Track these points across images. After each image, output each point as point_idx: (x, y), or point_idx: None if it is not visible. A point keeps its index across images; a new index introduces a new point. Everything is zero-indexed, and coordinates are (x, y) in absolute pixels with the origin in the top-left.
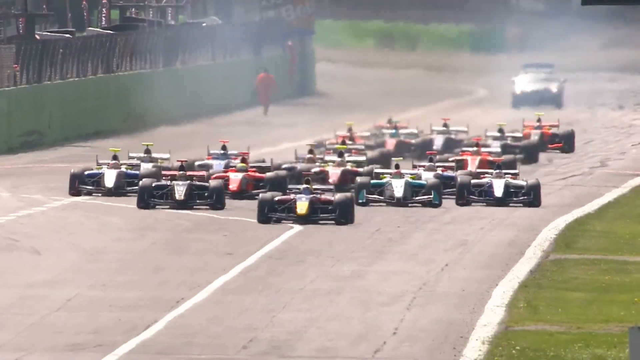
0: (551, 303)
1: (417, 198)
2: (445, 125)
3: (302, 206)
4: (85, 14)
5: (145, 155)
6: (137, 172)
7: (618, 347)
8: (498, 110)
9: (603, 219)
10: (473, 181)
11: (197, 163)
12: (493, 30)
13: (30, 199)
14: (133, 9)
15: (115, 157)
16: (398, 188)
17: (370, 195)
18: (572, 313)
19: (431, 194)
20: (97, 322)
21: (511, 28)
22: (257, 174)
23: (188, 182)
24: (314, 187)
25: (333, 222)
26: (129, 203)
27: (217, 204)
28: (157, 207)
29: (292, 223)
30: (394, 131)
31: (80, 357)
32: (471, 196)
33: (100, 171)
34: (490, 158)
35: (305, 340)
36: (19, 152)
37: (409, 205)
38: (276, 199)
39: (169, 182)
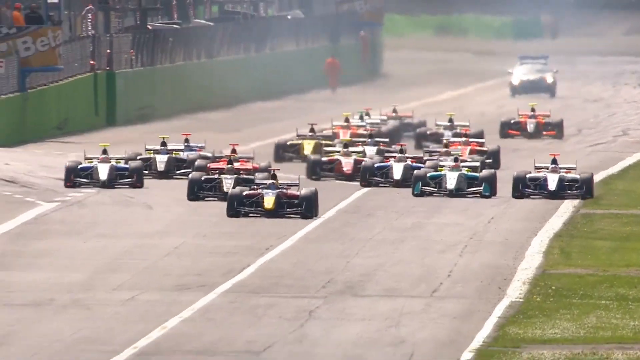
0: (581, 250)
1: (469, 189)
2: (450, 120)
3: (269, 201)
4: (190, 8)
5: (162, 147)
6: (127, 165)
7: (638, 287)
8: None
9: (625, 179)
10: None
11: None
12: (530, 19)
13: None
14: (230, 4)
15: (104, 152)
16: (451, 180)
17: (425, 187)
18: (599, 259)
19: (482, 186)
20: (200, 266)
21: (545, 17)
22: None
23: (235, 175)
24: (280, 182)
25: (299, 216)
26: None
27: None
28: (206, 199)
29: (259, 217)
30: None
31: (186, 295)
32: (526, 189)
33: (92, 165)
34: (479, 148)
35: (374, 282)
36: (135, 124)
37: (462, 196)
38: (244, 193)
39: (217, 176)
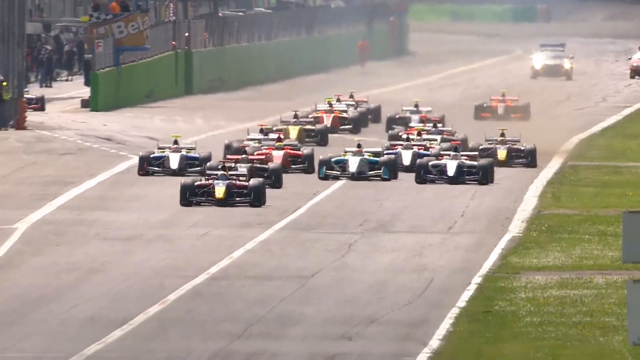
0: (569, 195)
1: (370, 172)
2: (416, 105)
3: (219, 191)
4: None
5: (175, 145)
6: (197, 155)
7: (614, 224)
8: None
9: (604, 136)
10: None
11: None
12: (527, 7)
13: (217, 124)
14: None
15: (175, 142)
16: (353, 164)
17: (330, 171)
18: (583, 201)
19: (381, 170)
20: (260, 208)
21: (540, 5)
22: (293, 151)
23: (249, 164)
24: (230, 173)
25: (248, 204)
26: None
27: (275, 184)
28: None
29: (211, 206)
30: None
31: (249, 231)
32: (428, 175)
33: (164, 154)
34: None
35: (401, 221)
36: (207, 93)
37: (364, 179)
38: (196, 183)
39: (232, 164)
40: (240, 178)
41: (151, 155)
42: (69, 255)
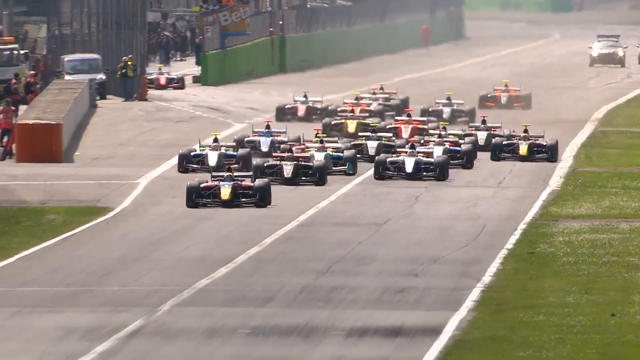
0: (599, 155)
1: (335, 168)
2: (448, 98)
3: (225, 192)
4: None
5: (214, 144)
6: (235, 153)
7: (637, 180)
8: (568, 46)
9: (629, 107)
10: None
11: (245, 139)
12: None
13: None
14: None
15: (215, 140)
16: (319, 160)
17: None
18: (611, 161)
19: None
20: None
21: None
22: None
23: (295, 162)
24: (235, 174)
25: (253, 205)
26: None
27: (319, 182)
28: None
29: (217, 207)
30: (304, 99)
31: (332, 185)
32: (386, 172)
33: (203, 152)
34: (421, 126)
35: (459, 177)
36: (297, 72)
37: (329, 174)
38: (202, 185)
39: (278, 162)
40: (246, 179)
41: (191, 153)
42: (183, 205)
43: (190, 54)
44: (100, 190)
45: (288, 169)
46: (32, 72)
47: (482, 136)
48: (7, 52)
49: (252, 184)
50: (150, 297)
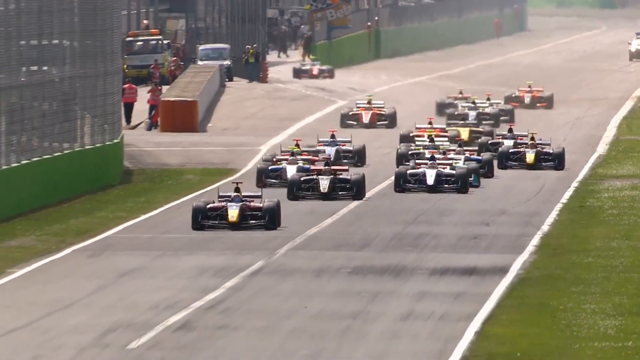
0: (638, 126)
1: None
2: (473, 102)
3: (233, 213)
4: None
5: (292, 157)
6: (309, 166)
7: None
8: (612, 37)
9: None
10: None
11: (311, 149)
12: None
13: (395, 79)
14: None
15: (292, 154)
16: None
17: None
18: None
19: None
20: None
21: None
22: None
23: (331, 176)
24: (244, 194)
25: (263, 228)
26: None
27: (357, 196)
28: (305, 198)
29: (225, 230)
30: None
31: None
32: (407, 184)
33: (281, 166)
34: (442, 133)
35: None
36: (390, 58)
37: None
38: (208, 206)
39: (315, 176)
40: (254, 200)
41: (269, 167)
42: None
43: (302, 45)
44: (229, 155)
45: (324, 184)
46: (173, 58)
47: (508, 144)
48: (153, 42)
49: (261, 205)
50: (269, 242)
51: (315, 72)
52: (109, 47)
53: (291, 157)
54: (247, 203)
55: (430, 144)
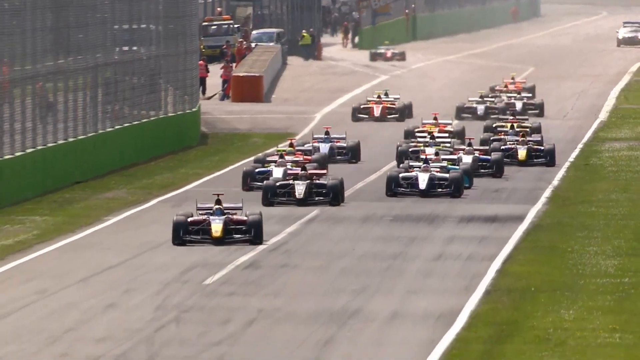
0: (634, 96)
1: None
2: (481, 96)
3: (217, 228)
4: None
5: (280, 159)
6: (298, 170)
7: None
8: (612, 21)
9: None
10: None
11: (306, 146)
12: None
13: (429, 57)
14: None
15: (281, 157)
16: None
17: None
18: None
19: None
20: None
21: None
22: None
23: (308, 181)
24: (225, 206)
25: (248, 243)
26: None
27: (334, 201)
28: (279, 204)
29: (207, 245)
30: (384, 96)
31: None
32: (399, 188)
33: (268, 169)
34: (447, 129)
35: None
36: (424, 39)
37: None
38: (189, 219)
39: (291, 181)
40: (236, 212)
41: (256, 170)
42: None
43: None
44: (289, 121)
45: (300, 189)
46: (242, 40)
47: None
48: (225, 26)
49: (244, 218)
50: None
51: (389, 55)
52: (188, 31)
53: (279, 160)
54: (230, 216)
55: (431, 140)
